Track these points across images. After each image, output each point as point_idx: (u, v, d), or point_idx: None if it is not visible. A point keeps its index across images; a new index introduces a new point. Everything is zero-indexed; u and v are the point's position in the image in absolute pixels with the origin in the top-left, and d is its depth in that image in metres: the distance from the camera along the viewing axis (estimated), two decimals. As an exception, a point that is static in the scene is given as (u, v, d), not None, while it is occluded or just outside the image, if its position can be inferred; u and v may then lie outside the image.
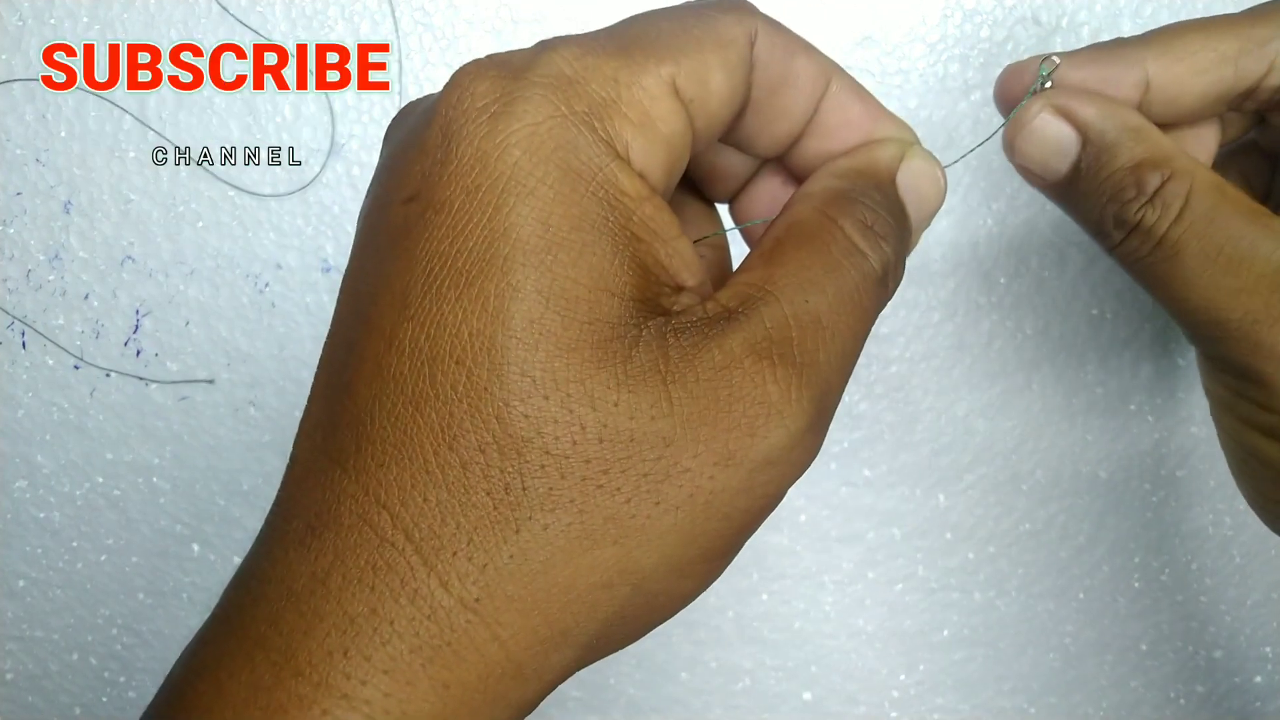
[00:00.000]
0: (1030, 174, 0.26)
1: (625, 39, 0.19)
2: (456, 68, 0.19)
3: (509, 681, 0.17)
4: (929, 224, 0.23)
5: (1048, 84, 0.25)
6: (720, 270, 0.25)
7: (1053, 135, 0.24)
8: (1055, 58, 0.25)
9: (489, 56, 0.19)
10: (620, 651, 0.20)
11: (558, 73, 0.18)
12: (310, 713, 0.16)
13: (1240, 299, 0.23)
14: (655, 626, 0.20)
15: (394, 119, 0.21)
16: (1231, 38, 0.24)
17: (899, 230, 0.21)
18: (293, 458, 0.19)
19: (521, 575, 0.17)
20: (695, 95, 0.19)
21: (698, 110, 0.20)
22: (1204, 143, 0.27)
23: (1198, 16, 0.39)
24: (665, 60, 0.19)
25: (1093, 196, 0.25)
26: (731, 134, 0.22)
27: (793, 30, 0.22)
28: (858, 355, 0.20)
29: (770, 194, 0.25)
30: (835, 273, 0.20)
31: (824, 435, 0.20)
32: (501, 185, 0.18)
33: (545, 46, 0.19)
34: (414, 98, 0.40)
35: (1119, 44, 0.25)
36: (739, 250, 0.25)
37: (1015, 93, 0.25)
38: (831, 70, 0.22)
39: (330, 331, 0.20)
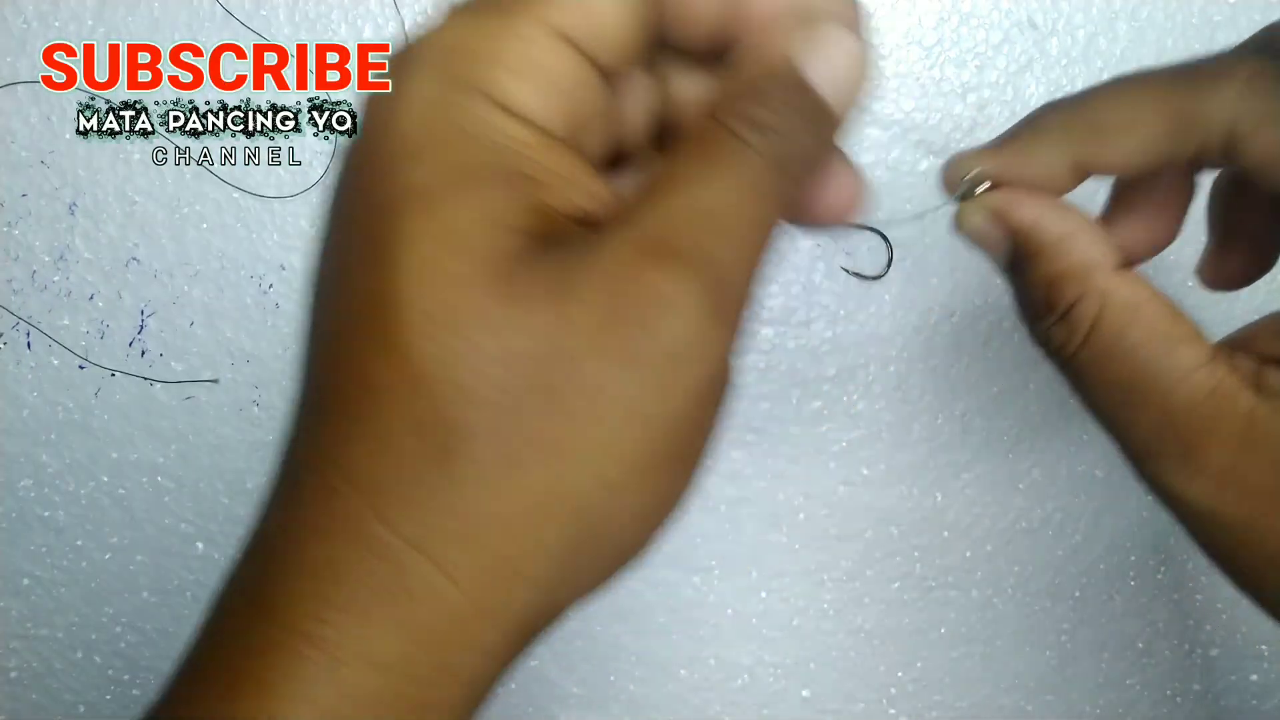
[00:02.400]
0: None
1: None
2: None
3: (473, 622, 0.18)
4: (859, 100, 0.21)
5: (982, 187, 0.24)
6: None
7: (988, 237, 0.25)
8: (978, 165, 0.24)
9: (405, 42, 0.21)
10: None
11: (439, 42, 0.20)
12: (280, 654, 0.17)
13: (1133, 431, 0.23)
14: (616, 567, 0.20)
15: None
16: (1160, 114, 0.23)
17: (796, 116, 0.20)
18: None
19: (456, 509, 0.18)
20: (585, 33, 0.20)
21: (595, 46, 0.20)
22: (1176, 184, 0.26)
23: (1194, 19, 0.40)
24: (540, 4, 0.20)
25: (1020, 297, 0.25)
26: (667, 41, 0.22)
27: None
28: (763, 244, 0.20)
29: None
30: (720, 166, 0.19)
31: (733, 331, 0.19)
32: (393, 151, 0.19)
33: (440, 20, 0.20)
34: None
35: (1043, 128, 0.24)
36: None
37: (955, 185, 0.25)
38: None
39: None
